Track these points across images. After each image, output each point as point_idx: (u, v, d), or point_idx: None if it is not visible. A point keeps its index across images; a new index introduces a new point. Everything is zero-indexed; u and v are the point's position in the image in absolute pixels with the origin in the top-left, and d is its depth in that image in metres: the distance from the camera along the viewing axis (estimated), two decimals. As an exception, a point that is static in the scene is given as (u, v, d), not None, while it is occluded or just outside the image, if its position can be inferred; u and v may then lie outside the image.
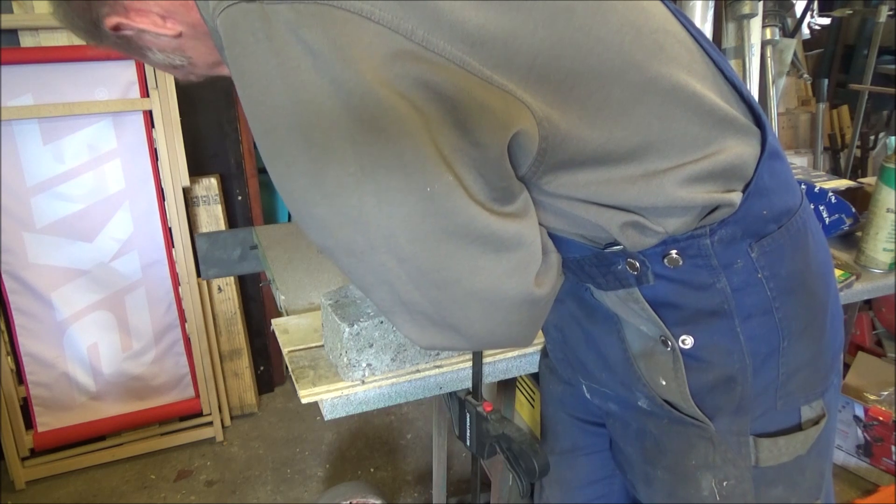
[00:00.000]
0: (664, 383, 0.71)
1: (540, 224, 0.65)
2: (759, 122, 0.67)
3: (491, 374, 0.97)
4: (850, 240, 1.32)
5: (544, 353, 0.97)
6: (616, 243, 0.66)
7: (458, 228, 0.55)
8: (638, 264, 0.66)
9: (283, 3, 0.49)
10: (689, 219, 0.63)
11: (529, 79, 0.54)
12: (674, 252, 0.65)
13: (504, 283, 0.59)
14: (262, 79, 0.51)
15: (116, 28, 0.62)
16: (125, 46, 0.65)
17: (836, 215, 1.27)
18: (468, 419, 0.92)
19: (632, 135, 0.58)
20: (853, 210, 1.26)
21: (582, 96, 0.56)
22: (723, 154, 0.62)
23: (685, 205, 0.61)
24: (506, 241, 0.58)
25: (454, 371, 0.93)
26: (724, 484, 0.73)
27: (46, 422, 2.07)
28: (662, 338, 0.69)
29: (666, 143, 0.60)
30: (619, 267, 0.67)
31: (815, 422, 0.73)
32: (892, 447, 1.87)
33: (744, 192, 0.64)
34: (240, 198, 2.33)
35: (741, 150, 0.63)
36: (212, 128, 2.22)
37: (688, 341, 0.68)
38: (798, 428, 0.73)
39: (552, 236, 0.68)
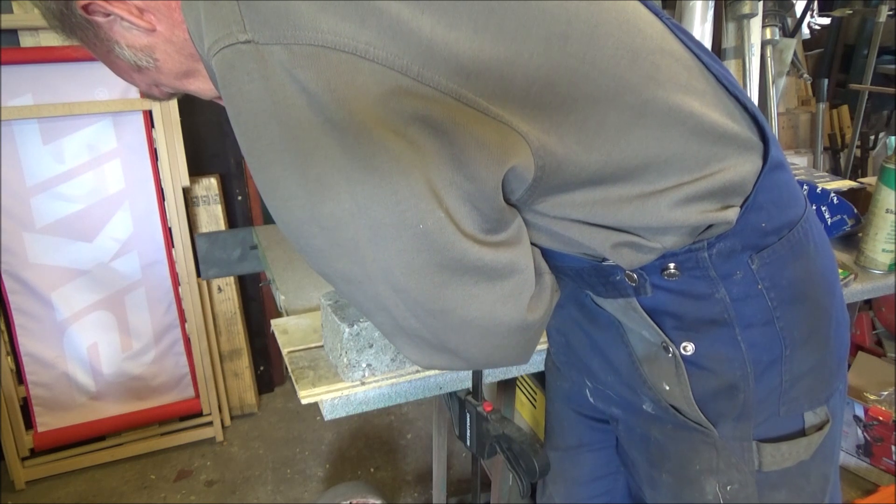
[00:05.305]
0: (668, 388, 0.71)
1: (533, 244, 0.65)
2: (763, 135, 0.66)
3: (491, 374, 0.97)
4: (852, 241, 1.31)
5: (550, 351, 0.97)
6: None
7: (452, 262, 0.55)
8: (636, 276, 0.66)
9: (278, 45, 0.49)
10: (684, 236, 0.63)
11: (525, 107, 0.54)
12: (672, 266, 0.65)
13: (498, 310, 0.60)
14: (257, 117, 0.51)
15: (88, 10, 0.59)
16: (92, 37, 0.63)
17: (839, 216, 1.26)
18: (468, 419, 0.92)
19: (629, 157, 0.58)
20: (855, 211, 1.25)
21: (578, 121, 0.56)
22: (722, 173, 0.62)
23: (679, 225, 0.62)
24: (499, 269, 0.58)
25: (454, 371, 0.92)
26: (728, 488, 0.73)
27: (46, 422, 2.07)
28: (664, 344, 0.69)
29: (664, 163, 0.60)
30: (618, 278, 0.68)
31: (819, 427, 0.73)
32: (893, 447, 1.87)
33: (742, 206, 0.63)
34: (240, 198, 2.32)
35: (741, 167, 0.63)
36: (212, 128, 2.22)
37: (689, 348, 0.68)
38: (801, 434, 0.72)
39: (549, 249, 0.68)
